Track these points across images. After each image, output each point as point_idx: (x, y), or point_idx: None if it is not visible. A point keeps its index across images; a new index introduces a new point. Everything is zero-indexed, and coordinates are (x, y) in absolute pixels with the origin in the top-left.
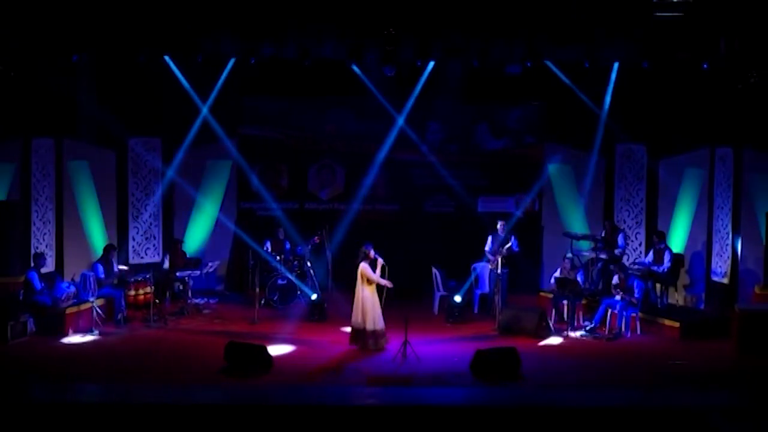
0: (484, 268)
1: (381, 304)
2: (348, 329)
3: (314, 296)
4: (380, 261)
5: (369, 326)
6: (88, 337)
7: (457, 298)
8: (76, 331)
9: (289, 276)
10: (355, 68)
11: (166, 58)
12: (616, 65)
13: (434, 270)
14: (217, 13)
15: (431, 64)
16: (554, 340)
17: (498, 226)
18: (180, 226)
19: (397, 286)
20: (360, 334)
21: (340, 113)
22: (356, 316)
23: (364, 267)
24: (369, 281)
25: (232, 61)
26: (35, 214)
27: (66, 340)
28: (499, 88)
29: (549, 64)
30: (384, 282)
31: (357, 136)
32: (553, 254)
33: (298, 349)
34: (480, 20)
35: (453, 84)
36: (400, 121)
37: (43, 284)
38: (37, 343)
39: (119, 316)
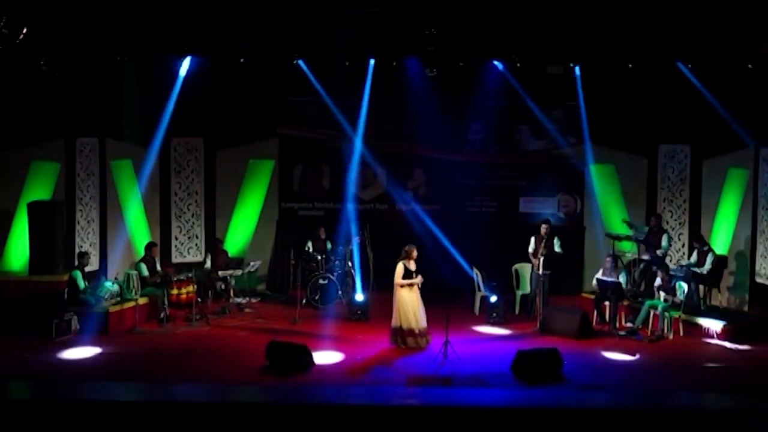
0: (525, 269)
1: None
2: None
3: (361, 296)
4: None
5: (405, 324)
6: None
7: (493, 298)
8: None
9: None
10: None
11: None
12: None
13: (475, 270)
14: (260, 14)
15: (472, 64)
16: (596, 342)
17: (542, 229)
18: (222, 225)
19: (438, 286)
20: (397, 332)
21: (380, 114)
22: (394, 314)
23: (398, 267)
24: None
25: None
26: (80, 213)
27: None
28: (541, 88)
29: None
30: (407, 282)
31: (398, 137)
32: (595, 255)
33: (339, 348)
34: (522, 20)
35: (494, 84)
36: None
37: (87, 283)
38: (81, 341)
39: (161, 315)
